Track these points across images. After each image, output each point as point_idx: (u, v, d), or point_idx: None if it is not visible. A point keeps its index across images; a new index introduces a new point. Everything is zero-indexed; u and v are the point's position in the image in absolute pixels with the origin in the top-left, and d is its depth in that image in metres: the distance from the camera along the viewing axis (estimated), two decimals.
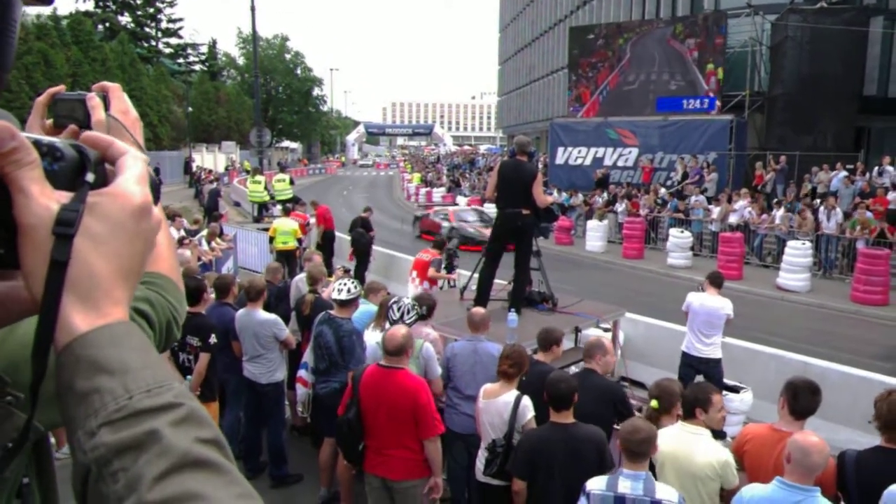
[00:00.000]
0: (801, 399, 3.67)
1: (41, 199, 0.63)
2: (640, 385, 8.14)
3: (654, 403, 4.07)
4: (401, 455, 4.39)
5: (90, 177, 0.67)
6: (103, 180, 0.68)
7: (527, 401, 4.35)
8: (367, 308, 6.22)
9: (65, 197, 0.64)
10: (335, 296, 5.68)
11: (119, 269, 0.65)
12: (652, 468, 3.73)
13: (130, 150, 0.72)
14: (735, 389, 7.33)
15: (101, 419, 0.58)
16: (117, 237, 0.66)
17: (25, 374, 0.69)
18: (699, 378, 7.14)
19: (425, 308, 5.68)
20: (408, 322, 5.26)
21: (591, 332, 7.60)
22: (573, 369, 6.21)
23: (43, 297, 0.62)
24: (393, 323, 5.27)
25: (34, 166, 0.64)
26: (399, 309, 5.31)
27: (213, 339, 5.52)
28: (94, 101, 0.87)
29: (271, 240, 13.48)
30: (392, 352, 4.37)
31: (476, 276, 7.76)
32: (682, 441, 3.69)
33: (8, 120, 0.67)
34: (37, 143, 0.65)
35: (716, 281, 7.12)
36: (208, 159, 46.20)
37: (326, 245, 14.88)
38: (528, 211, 6.76)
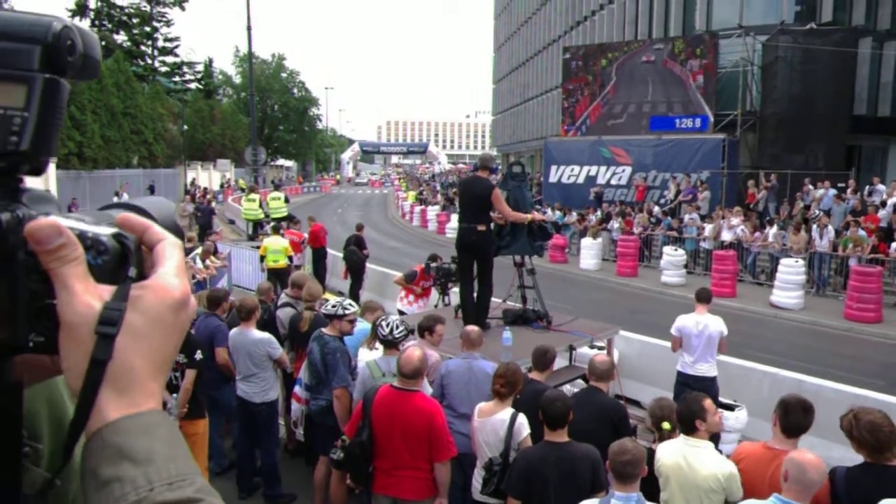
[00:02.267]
0: (792, 417, 3.68)
1: (84, 296, 0.63)
2: (635, 403, 8.12)
3: (666, 426, 4.03)
4: (412, 475, 4.38)
5: (133, 272, 0.67)
6: (140, 265, 0.69)
7: (522, 419, 4.34)
8: (362, 326, 6.20)
9: (107, 292, 0.65)
10: (322, 309, 5.69)
11: (155, 362, 0.66)
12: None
13: (168, 235, 0.72)
14: (730, 407, 7.31)
15: None
16: (156, 331, 0.66)
17: (43, 426, 0.70)
18: None
19: (404, 327, 5.52)
20: (398, 338, 5.24)
21: (586, 351, 7.59)
22: (568, 387, 6.20)
23: (81, 391, 0.63)
24: (383, 340, 5.23)
25: (79, 262, 0.64)
26: (388, 325, 5.27)
27: (198, 356, 5.51)
28: None
29: (262, 258, 13.49)
30: (409, 374, 4.34)
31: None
32: (686, 454, 3.68)
33: (51, 204, 0.68)
34: (81, 237, 0.65)
35: (703, 297, 7.06)
36: (203, 177, 46.24)
37: (318, 263, 14.87)
38: (483, 227, 6.79)
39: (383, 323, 5.30)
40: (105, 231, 0.68)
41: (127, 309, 0.65)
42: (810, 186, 19.26)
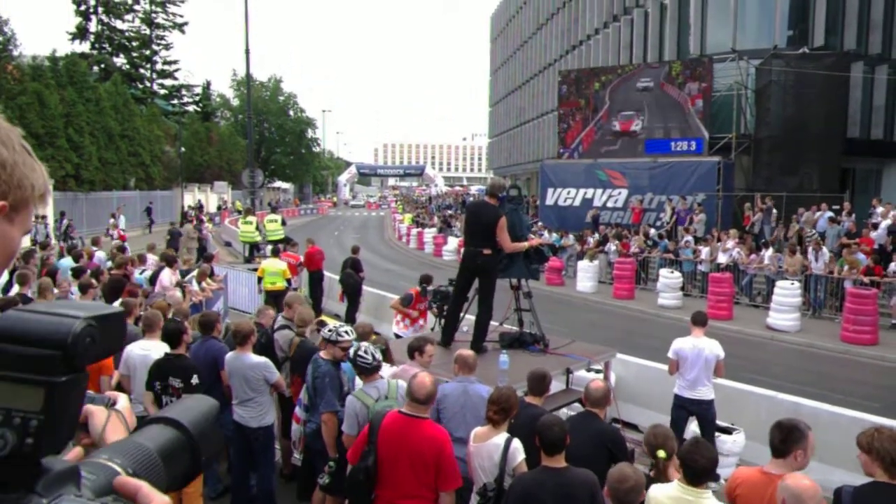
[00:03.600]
0: (770, 435, 3.65)
1: None
2: (633, 427, 8.08)
3: (661, 454, 3.96)
4: None
5: None
6: None
7: (517, 443, 4.30)
8: None
9: None
10: (324, 334, 5.67)
11: None
12: None
13: (155, 496, 0.76)
14: (727, 431, 7.28)
15: None
16: None
17: None
18: (692, 420, 7.11)
19: (379, 349, 5.49)
20: (381, 360, 5.19)
21: (583, 375, 7.56)
22: (564, 411, 6.17)
23: None
24: (369, 368, 5.12)
25: None
26: (367, 352, 5.13)
27: (195, 380, 5.47)
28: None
29: (260, 280, 13.45)
30: (422, 399, 4.25)
31: (468, 318, 7.77)
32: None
33: (68, 483, 0.72)
34: None
35: (699, 321, 7.07)
36: (200, 199, 46.30)
37: (314, 286, 14.82)
38: (489, 251, 6.89)
39: (360, 353, 5.14)
40: None
41: None
42: (804, 210, 19.42)
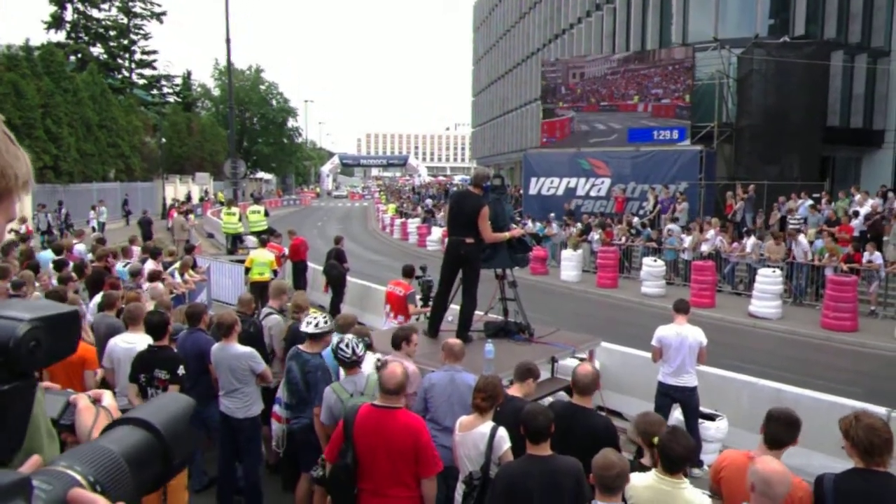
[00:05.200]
0: (772, 427, 3.69)
1: None
2: (617, 414, 8.15)
3: (657, 441, 3.94)
4: (398, 494, 4.27)
5: None
6: None
7: (502, 432, 4.31)
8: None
9: None
10: (303, 328, 5.63)
11: None
12: None
13: None
14: (711, 417, 7.37)
15: None
16: None
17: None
18: (676, 407, 7.18)
19: (362, 343, 5.39)
20: (361, 356, 5.13)
21: (569, 363, 7.59)
22: (548, 400, 6.19)
23: None
24: (348, 362, 5.09)
25: None
26: (349, 346, 5.08)
27: (181, 371, 5.42)
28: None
29: (247, 271, 13.36)
30: (392, 390, 4.22)
31: (452, 307, 7.78)
32: (662, 493, 3.53)
33: (18, 497, 0.69)
34: None
35: (682, 308, 7.12)
36: (182, 190, 45.84)
37: (298, 277, 14.76)
38: (472, 240, 6.90)
39: (342, 345, 5.09)
40: None
41: None
42: (784, 199, 19.56)
